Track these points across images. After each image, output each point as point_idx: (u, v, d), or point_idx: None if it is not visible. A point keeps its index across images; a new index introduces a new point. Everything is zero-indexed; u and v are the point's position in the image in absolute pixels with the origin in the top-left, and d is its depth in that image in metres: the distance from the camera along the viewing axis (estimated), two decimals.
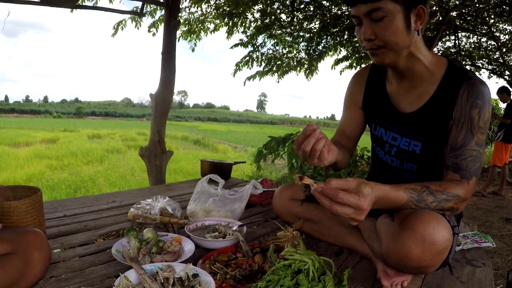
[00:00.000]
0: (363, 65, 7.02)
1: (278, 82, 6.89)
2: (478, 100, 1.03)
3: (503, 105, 5.60)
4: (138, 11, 4.51)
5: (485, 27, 6.58)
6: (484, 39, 7.40)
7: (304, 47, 6.57)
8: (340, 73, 7.72)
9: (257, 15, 5.69)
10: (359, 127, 1.35)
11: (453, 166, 1.05)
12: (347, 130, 1.36)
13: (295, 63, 6.77)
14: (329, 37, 6.33)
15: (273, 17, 5.64)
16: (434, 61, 1.11)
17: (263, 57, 6.54)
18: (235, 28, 5.69)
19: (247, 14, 5.55)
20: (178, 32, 5.03)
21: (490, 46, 7.53)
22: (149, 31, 5.24)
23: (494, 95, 5.65)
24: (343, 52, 6.91)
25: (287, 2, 5.47)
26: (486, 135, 1.06)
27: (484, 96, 1.04)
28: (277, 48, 6.57)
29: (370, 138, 1.35)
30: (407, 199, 0.96)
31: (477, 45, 7.62)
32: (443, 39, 7.46)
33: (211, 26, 5.74)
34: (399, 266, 1.01)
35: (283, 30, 6.07)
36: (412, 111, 1.14)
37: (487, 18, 6.24)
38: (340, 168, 1.29)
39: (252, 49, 6.37)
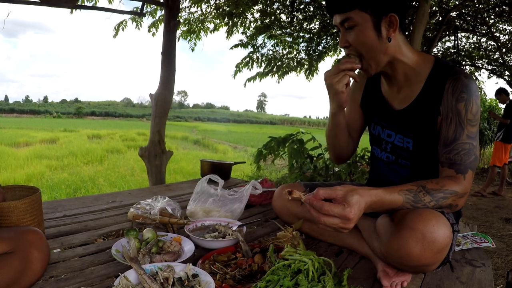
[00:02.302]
0: None
1: (279, 82, 6.91)
2: (464, 94, 1.04)
3: (502, 106, 5.60)
4: (138, 11, 4.51)
5: (485, 28, 6.58)
6: (484, 40, 7.40)
7: (304, 48, 6.57)
8: None
9: (257, 15, 5.70)
10: (358, 122, 1.39)
11: (447, 162, 1.05)
12: (348, 120, 1.39)
13: (295, 64, 6.77)
14: (329, 38, 6.32)
15: (273, 17, 5.64)
16: (420, 61, 1.14)
17: (263, 58, 6.54)
18: (235, 28, 5.69)
19: (247, 14, 5.55)
20: (178, 32, 5.03)
21: (490, 47, 7.53)
22: (149, 31, 5.25)
23: (493, 96, 5.64)
24: (343, 53, 6.89)
25: (287, 3, 5.46)
26: (477, 127, 1.06)
27: (470, 89, 1.04)
28: (277, 48, 6.57)
29: (369, 140, 1.38)
30: (403, 201, 0.96)
31: (477, 45, 7.62)
32: (443, 39, 7.46)
33: (211, 26, 5.75)
34: (399, 265, 1.01)
35: (283, 30, 6.07)
36: (401, 108, 1.18)
37: (487, 18, 6.24)
38: (343, 155, 1.36)
39: (252, 49, 6.37)
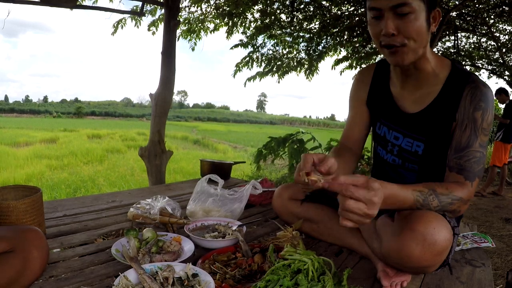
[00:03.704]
0: (363, 65, 7.04)
1: (279, 82, 6.91)
2: (482, 103, 1.04)
3: (502, 106, 5.60)
4: (138, 11, 4.51)
5: (485, 28, 6.58)
6: (484, 39, 7.39)
7: (304, 48, 6.56)
8: (340, 74, 7.73)
9: (257, 15, 5.69)
10: (364, 126, 1.33)
11: (457, 167, 1.05)
12: (352, 131, 1.35)
13: (295, 64, 6.76)
14: (329, 38, 6.32)
15: (273, 17, 5.63)
16: (438, 63, 1.12)
17: (263, 58, 6.53)
18: (235, 28, 5.69)
19: (247, 14, 5.54)
20: (178, 32, 5.03)
21: (490, 47, 7.52)
22: (148, 29, 5.25)
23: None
24: (343, 53, 6.92)
25: (287, 2, 5.46)
26: (489, 137, 1.07)
27: (487, 98, 1.05)
28: (277, 48, 6.56)
29: (372, 138, 1.36)
30: (413, 201, 0.95)
31: (477, 45, 7.61)
32: (443, 39, 7.45)
33: (211, 26, 5.74)
34: (399, 265, 1.01)
35: (283, 30, 6.06)
36: (416, 111, 1.15)
37: (487, 19, 6.24)
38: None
39: (252, 49, 6.37)
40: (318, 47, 6.48)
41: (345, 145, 1.35)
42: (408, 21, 0.98)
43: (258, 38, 6.13)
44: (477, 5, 5.76)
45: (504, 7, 5.56)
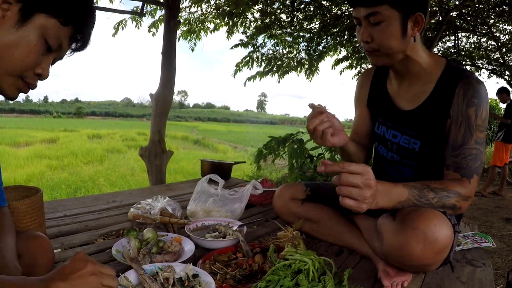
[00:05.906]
0: (363, 65, 7.05)
1: (279, 82, 6.91)
2: (474, 99, 1.04)
3: (503, 106, 5.60)
4: (138, 11, 4.51)
5: (485, 27, 6.58)
6: (484, 39, 7.40)
7: (304, 47, 6.57)
8: (340, 73, 7.75)
9: (257, 15, 5.69)
10: (367, 126, 1.36)
11: (454, 165, 1.05)
12: (358, 129, 1.38)
13: (295, 63, 6.77)
14: (329, 37, 6.32)
15: (273, 17, 5.64)
16: (432, 62, 1.13)
17: (263, 58, 6.53)
18: (235, 28, 5.68)
19: (247, 14, 5.54)
20: (178, 32, 5.03)
21: (490, 46, 7.53)
22: (149, 31, 5.24)
23: (493, 96, 5.65)
24: (343, 52, 6.92)
25: (287, 2, 5.46)
26: (485, 133, 1.07)
27: (480, 94, 1.04)
28: (277, 48, 6.57)
29: (372, 137, 1.36)
30: (408, 193, 0.96)
31: (477, 45, 7.61)
32: (443, 39, 7.45)
33: (211, 26, 5.74)
34: (400, 264, 1.01)
35: (283, 30, 6.07)
36: (410, 109, 1.17)
37: (487, 18, 6.24)
38: (354, 161, 1.31)
39: (252, 49, 6.37)
40: (318, 47, 6.49)
41: (354, 140, 1.37)
42: (380, 29, 1.03)
43: (258, 38, 6.14)
44: (477, 5, 5.76)
45: (504, 7, 5.56)
